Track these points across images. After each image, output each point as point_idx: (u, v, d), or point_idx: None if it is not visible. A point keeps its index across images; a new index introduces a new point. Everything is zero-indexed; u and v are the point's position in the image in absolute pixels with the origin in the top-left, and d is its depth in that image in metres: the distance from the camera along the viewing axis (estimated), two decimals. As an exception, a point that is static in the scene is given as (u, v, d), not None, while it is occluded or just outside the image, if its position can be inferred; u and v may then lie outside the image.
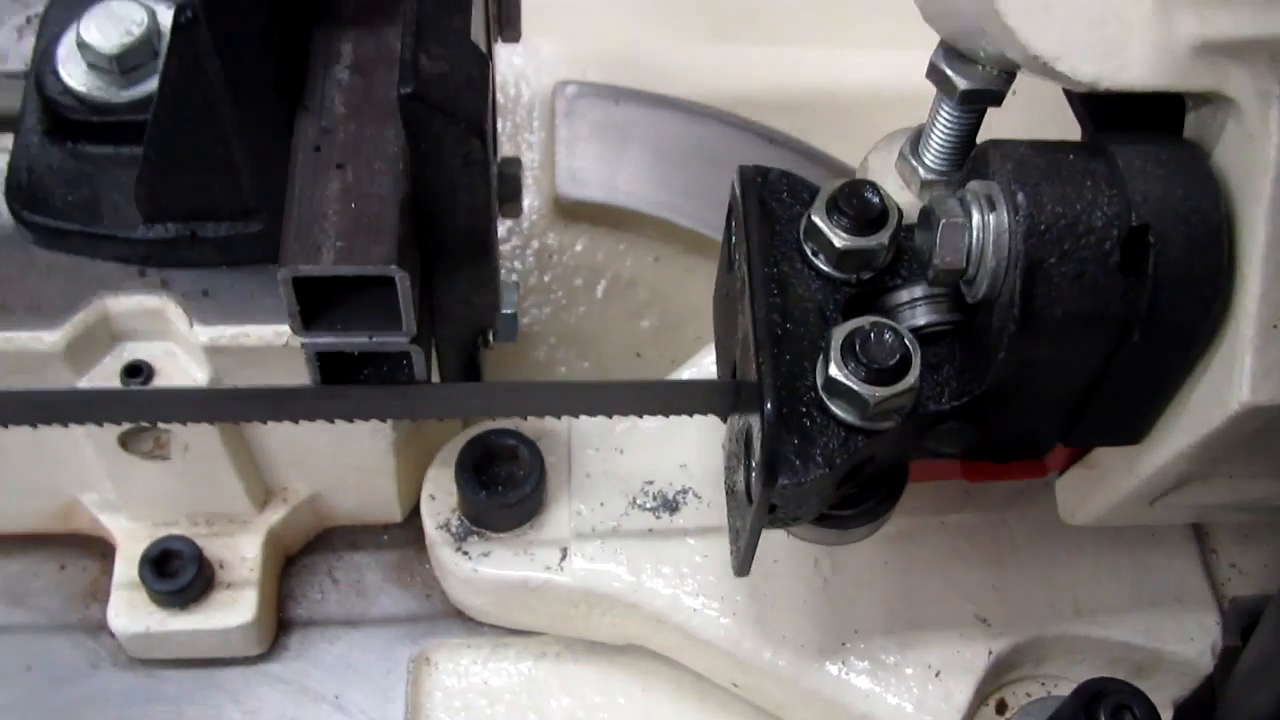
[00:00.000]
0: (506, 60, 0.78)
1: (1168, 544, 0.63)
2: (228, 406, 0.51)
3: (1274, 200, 0.42)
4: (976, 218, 0.44)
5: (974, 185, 0.45)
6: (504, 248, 0.74)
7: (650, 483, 0.60)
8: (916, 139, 0.54)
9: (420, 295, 0.50)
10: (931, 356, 0.47)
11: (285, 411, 0.50)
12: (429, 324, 0.52)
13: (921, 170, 0.53)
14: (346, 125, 0.49)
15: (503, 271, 0.73)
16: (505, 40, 0.67)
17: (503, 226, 0.74)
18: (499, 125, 0.77)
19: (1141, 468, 0.49)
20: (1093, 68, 0.42)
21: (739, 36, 0.81)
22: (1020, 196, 0.43)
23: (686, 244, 0.75)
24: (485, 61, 0.48)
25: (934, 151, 0.53)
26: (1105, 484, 0.52)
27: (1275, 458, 0.49)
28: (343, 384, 0.50)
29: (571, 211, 0.75)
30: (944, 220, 0.45)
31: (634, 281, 0.75)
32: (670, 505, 0.59)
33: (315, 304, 0.48)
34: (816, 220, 0.48)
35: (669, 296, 0.73)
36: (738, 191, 0.50)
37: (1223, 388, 0.44)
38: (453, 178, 0.47)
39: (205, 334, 0.53)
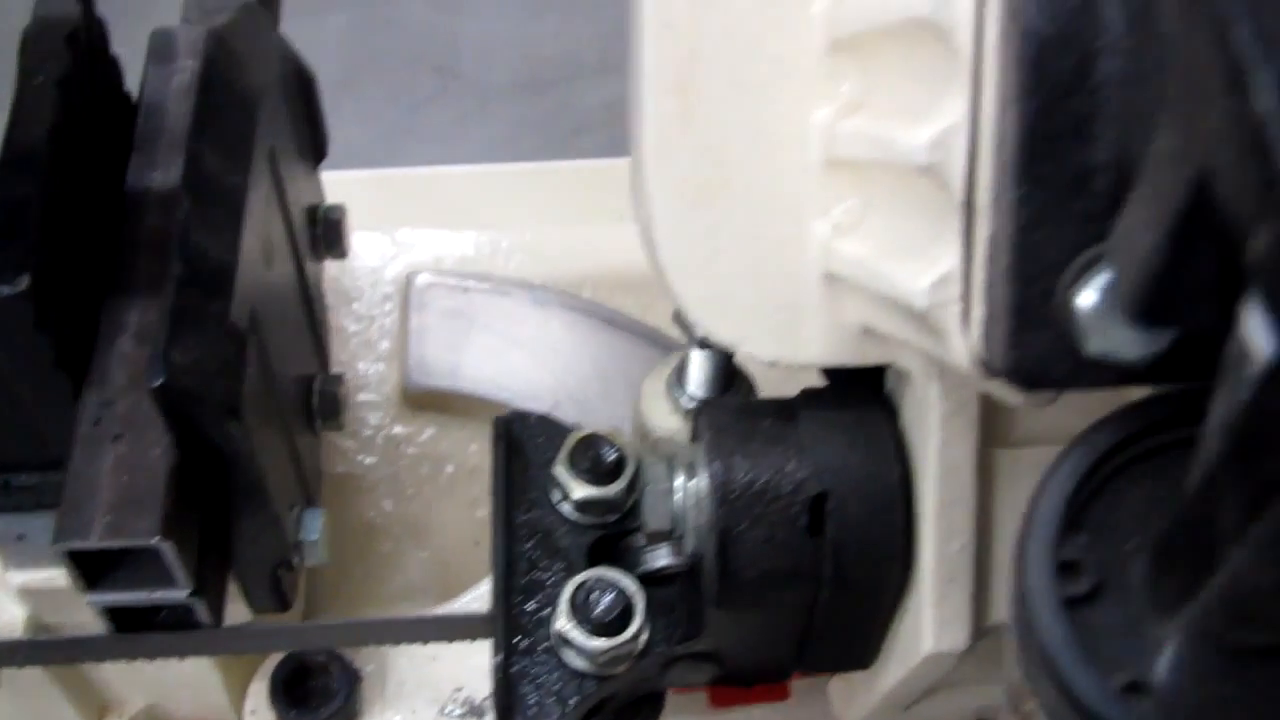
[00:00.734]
0: (359, 250, 0.82)
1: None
2: (31, 654, 0.55)
3: (941, 466, 0.46)
4: (679, 482, 0.48)
5: (683, 450, 0.49)
6: (351, 442, 0.78)
7: (459, 689, 0.63)
8: (681, 368, 0.58)
9: (210, 542, 0.54)
10: (665, 598, 0.51)
11: (88, 655, 0.54)
12: (219, 568, 0.56)
13: (684, 400, 0.57)
14: (127, 396, 0.53)
15: (355, 453, 0.77)
16: (333, 258, 0.72)
17: (353, 417, 0.78)
18: (355, 309, 0.81)
19: (878, 686, 0.53)
20: (771, 350, 0.46)
21: (587, 218, 0.85)
22: (716, 465, 0.47)
23: (528, 429, 0.78)
24: (242, 343, 0.52)
25: (694, 383, 0.57)
26: (857, 694, 0.55)
27: (1007, 666, 0.52)
28: (135, 631, 0.54)
29: (419, 401, 0.79)
30: (648, 486, 0.48)
31: (477, 469, 0.78)
32: (477, 711, 0.63)
33: (98, 566, 0.52)
34: (558, 471, 0.52)
35: (512, 481, 0.77)
36: (491, 439, 0.54)
37: (912, 635, 0.47)
38: (215, 452, 0.51)
39: (19, 577, 0.57)
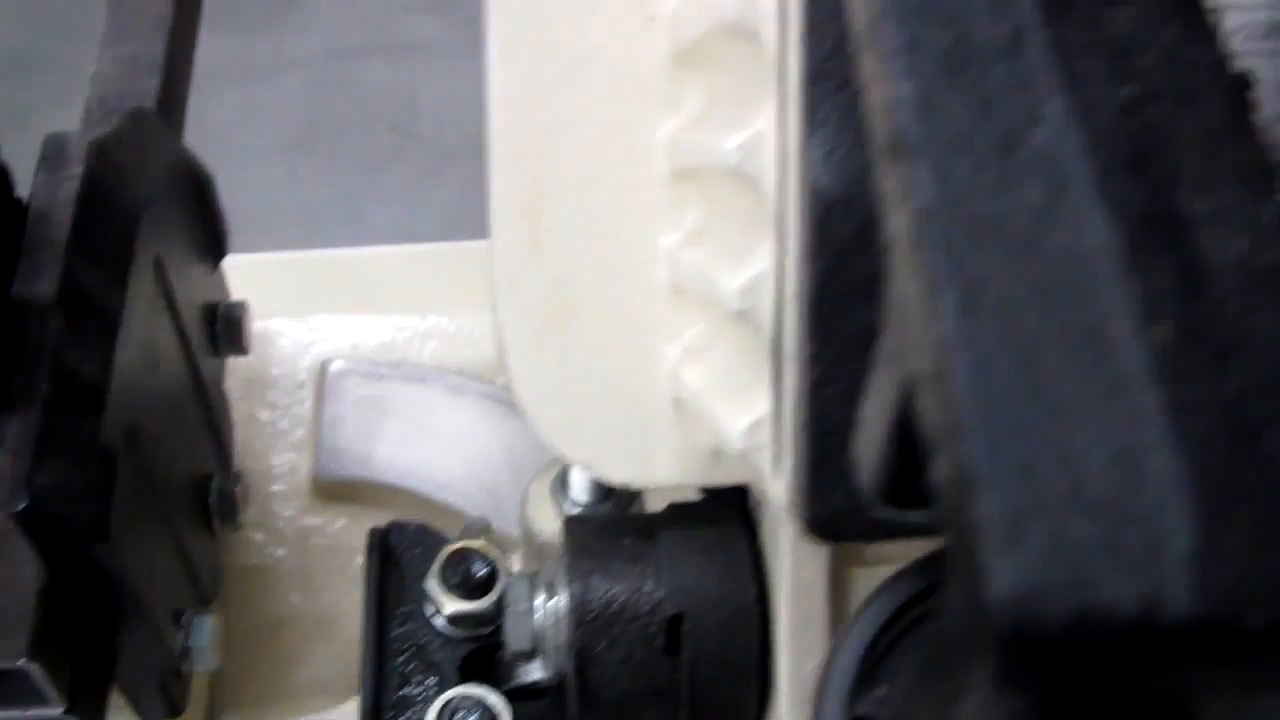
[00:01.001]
0: (274, 337, 0.83)
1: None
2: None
3: (794, 586, 0.46)
4: (539, 602, 0.48)
5: (546, 568, 0.49)
6: (260, 534, 0.78)
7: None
8: (564, 473, 0.58)
9: (89, 656, 0.54)
10: (535, 713, 0.51)
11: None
12: (99, 681, 0.56)
13: (567, 505, 0.57)
14: None
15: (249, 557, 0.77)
16: (234, 355, 0.72)
17: (263, 508, 0.78)
18: (269, 398, 0.81)
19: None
20: (625, 473, 0.46)
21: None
22: (575, 585, 0.47)
23: (438, 518, 0.78)
24: (113, 464, 0.52)
25: (576, 488, 0.57)
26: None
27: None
28: (15, 744, 0.54)
29: (331, 491, 0.79)
30: (509, 606, 0.48)
31: (389, 557, 0.78)
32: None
33: (-29, 686, 0.52)
34: (429, 585, 0.52)
35: (422, 570, 0.77)
36: (365, 551, 0.54)
37: (773, 753, 0.48)
38: (87, 571, 0.51)
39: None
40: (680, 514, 0.49)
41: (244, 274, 0.75)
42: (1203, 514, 0.19)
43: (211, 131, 2.20)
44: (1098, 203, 0.22)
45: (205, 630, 0.62)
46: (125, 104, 0.65)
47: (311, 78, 2.12)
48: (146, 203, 0.59)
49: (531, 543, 0.58)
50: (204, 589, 0.65)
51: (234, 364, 0.77)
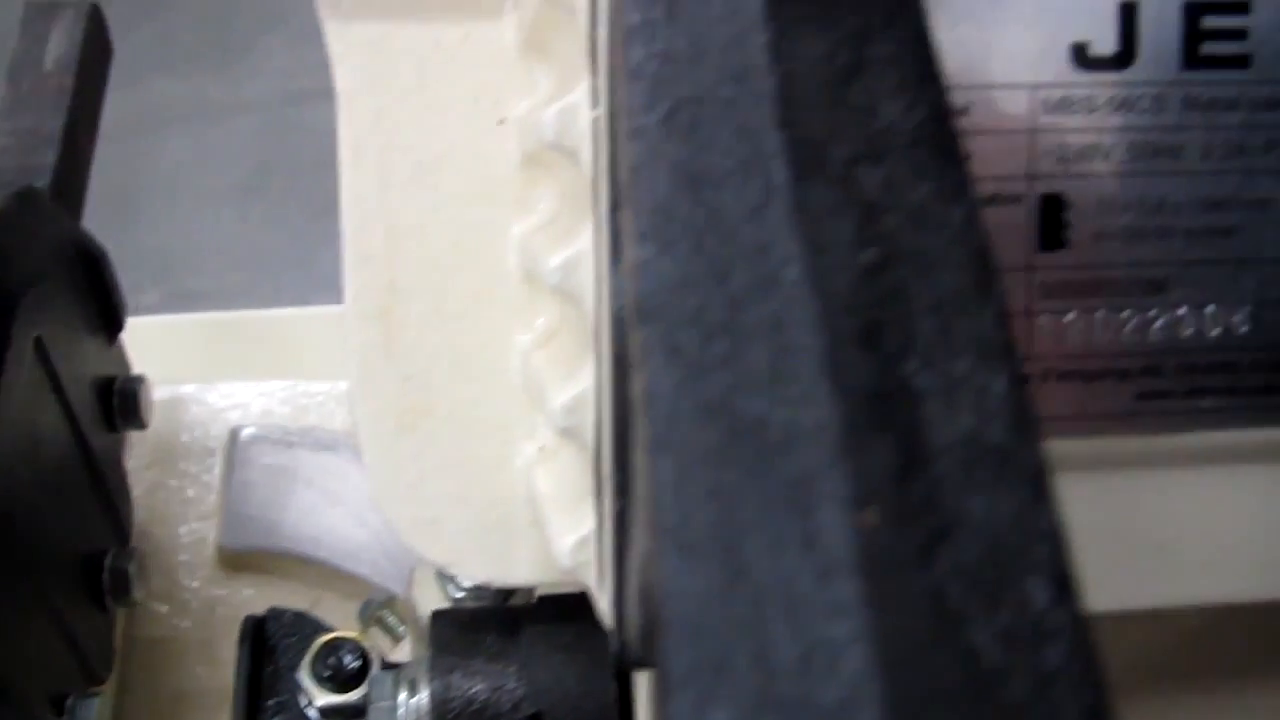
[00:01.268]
0: (186, 403, 0.82)
1: None
2: None
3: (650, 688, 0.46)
4: (402, 698, 0.48)
5: (410, 664, 0.49)
6: (165, 606, 0.77)
7: None
8: (449, 557, 0.57)
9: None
10: (408, 807, 0.50)
11: None
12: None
13: (451, 589, 0.57)
14: None
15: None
16: (132, 429, 0.71)
17: (168, 579, 0.77)
18: (180, 466, 0.81)
19: None
20: (484, 572, 0.46)
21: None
22: (436, 683, 0.47)
23: (345, 589, 0.78)
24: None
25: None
26: None
27: None
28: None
29: (237, 561, 0.79)
30: (373, 703, 0.48)
31: (294, 629, 0.77)
32: None
33: None
34: (300, 676, 0.52)
35: (327, 642, 0.76)
36: (238, 639, 0.54)
37: None
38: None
39: None
40: (546, 608, 0.49)
41: (154, 337, 0.75)
42: (892, 715, 0.19)
43: (162, 174, 2.20)
44: (823, 377, 0.22)
45: (92, 712, 0.61)
46: (20, 180, 0.65)
47: (263, 121, 2.11)
48: (29, 284, 0.58)
49: (416, 625, 0.58)
50: (94, 668, 0.64)
51: (143, 432, 0.76)
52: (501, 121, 0.43)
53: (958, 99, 0.35)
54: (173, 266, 1.86)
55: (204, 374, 0.83)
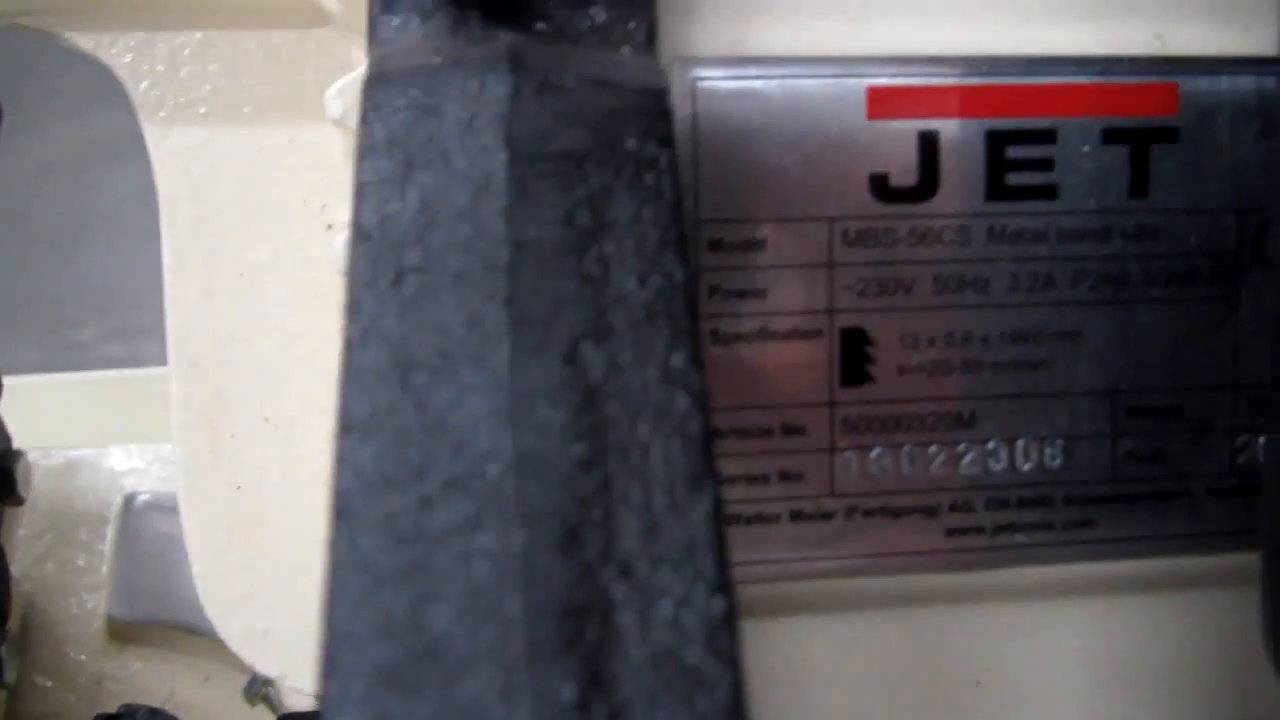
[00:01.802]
0: (81, 469, 0.81)
1: None
2: None
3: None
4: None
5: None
6: (51, 681, 0.75)
7: None
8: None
9: None
10: None
11: None
12: None
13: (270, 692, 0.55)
14: None
15: None
16: (11, 505, 0.70)
17: (54, 652, 0.75)
18: (75, 535, 0.79)
19: None
20: (314, 683, 0.45)
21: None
22: (271, 798, 0.45)
23: (236, 662, 0.76)
24: None
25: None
26: None
27: None
28: None
29: (126, 633, 0.77)
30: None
31: (185, 705, 0.76)
32: None
33: None
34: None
35: (217, 717, 0.75)
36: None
37: None
38: None
39: None
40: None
41: (49, 398, 0.73)
42: None
43: (105, 209, 2.19)
44: (512, 590, 0.21)
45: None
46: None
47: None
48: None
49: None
50: (-38, 754, 0.62)
51: (37, 498, 0.75)
52: (329, 226, 0.42)
53: (754, 232, 0.34)
54: (114, 302, 1.84)
55: (100, 437, 0.81)
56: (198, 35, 0.41)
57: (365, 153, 0.26)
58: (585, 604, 0.21)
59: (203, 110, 0.41)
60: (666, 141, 0.28)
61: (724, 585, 0.21)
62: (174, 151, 0.41)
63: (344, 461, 0.22)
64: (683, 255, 0.25)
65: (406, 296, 0.24)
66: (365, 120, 0.29)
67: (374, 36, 0.32)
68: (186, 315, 0.42)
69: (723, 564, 0.22)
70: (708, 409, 0.23)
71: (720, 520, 0.22)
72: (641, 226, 0.25)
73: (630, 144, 0.28)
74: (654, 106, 0.29)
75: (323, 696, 0.20)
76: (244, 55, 0.41)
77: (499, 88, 0.29)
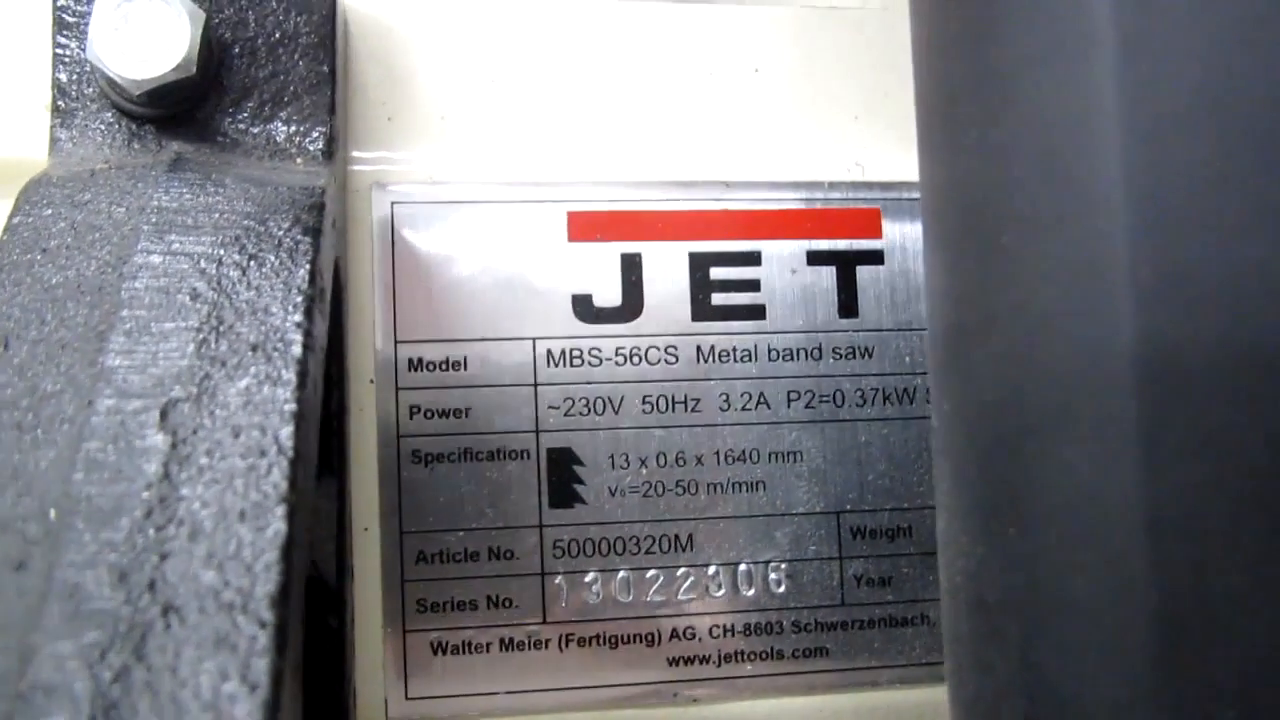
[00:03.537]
0: None
1: None
2: None
3: None
4: None
5: None
6: None
7: None
8: None
9: None
10: None
11: None
12: None
13: None
14: None
15: None
16: None
17: None
18: None
19: None
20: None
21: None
22: None
23: None
24: None
25: None
26: None
27: None
28: None
29: None
30: None
31: None
32: None
33: None
34: None
35: None
36: None
37: None
38: None
39: None
40: None
41: None
42: None
43: None
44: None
45: None
46: None
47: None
48: None
49: None
50: None
51: None
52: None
53: (454, 351, 0.34)
54: None
55: None
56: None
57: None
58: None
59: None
60: (310, 230, 0.28)
61: None
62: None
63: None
64: (307, 315, 0.25)
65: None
66: (13, 211, 0.29)
67: (51, 147, 0.32)
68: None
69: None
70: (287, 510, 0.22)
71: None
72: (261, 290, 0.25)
73: (275, 229, 0.28)
74: (304, 201, 0.29)
75: None
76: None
77: (149, 185, 0.29)
